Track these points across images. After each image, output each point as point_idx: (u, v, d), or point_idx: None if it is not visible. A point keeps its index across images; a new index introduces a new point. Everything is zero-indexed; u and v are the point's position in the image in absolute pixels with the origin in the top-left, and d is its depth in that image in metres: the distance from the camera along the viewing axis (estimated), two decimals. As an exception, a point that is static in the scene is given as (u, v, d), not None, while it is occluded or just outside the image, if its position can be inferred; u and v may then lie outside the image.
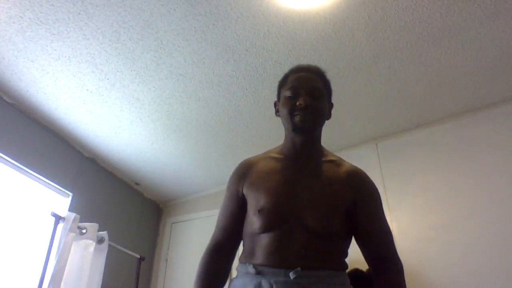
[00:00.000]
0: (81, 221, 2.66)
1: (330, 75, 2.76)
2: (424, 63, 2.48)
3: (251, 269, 1.13)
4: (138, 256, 3.13)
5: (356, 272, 2.33)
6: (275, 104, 1.41)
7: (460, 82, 2.62)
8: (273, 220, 1.16)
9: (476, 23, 2.21)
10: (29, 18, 2.17)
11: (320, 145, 1.34)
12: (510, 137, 2.62)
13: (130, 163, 3.40)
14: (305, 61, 2.45)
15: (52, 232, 2.54)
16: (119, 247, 2.98)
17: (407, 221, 2.72)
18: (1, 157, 2.61)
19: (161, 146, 3.20)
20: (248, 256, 1.18)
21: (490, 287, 2.30)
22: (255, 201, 1.22)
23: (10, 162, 2.66)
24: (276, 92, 1.40)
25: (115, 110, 2.83)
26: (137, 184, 3.74)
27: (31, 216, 2.77)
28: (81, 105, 2.77)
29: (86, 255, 2.62)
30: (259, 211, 1.18)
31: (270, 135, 3.04)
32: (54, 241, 2.52)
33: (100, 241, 2.77)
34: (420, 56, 2.42)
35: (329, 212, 1.17)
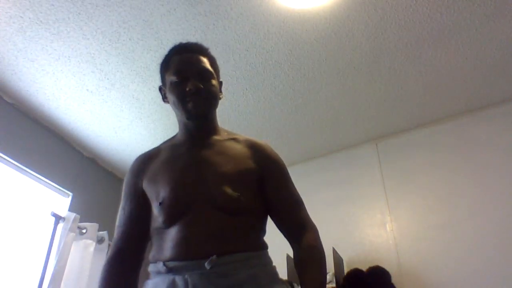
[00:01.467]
0: (81, 221, 2.66)
1: (330, 75, 2.78)
2: (424, 63, 2.48)
3: (161, 267, 1.02)
4: (138, 256, 3.13)
5: (356, 272, 2.33)
6: (160, 90, 1.34)
7: (460, 82, 2.62)
8: (176, 210, 1.06)
9: (476, 23, 2.21)
10: (29, 18, 2.17)
11: (217, 125, 1.27)
12: (510, 137, 2.62)
13: (130, 163, 3.39)
14: (305, 61, 2.45)
15: (52, 232, 2.54)
16: (119, 247, 2.98)
17: (407, 221, 2.72)
18: (1, 157, 2.61)
19: (161, 146, 3.19)
20: (158, 253, 1.07)
21: (490, 287, 2.30)
22: (155, 195, 1.11)
23: (10, 162, 2.66)
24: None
25: (115, 110, 2.83)
26: (137, 184, 3.73)
27: (31, 216, 2.77)
28: (81, 105, 2.77)
29: (86, 255, 2.62)
30: (160, 203, 1.08)
31: (270, 135, 3.04)
32: (54, 241, 2.52)
33: (100, 241, 2.77)
34: (420, 56, 2.42)
35: (237, 187, 1.08)
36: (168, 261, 1.01)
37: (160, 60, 2.67)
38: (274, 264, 1.11)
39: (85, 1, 2.09)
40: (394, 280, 2.35)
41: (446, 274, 2.44)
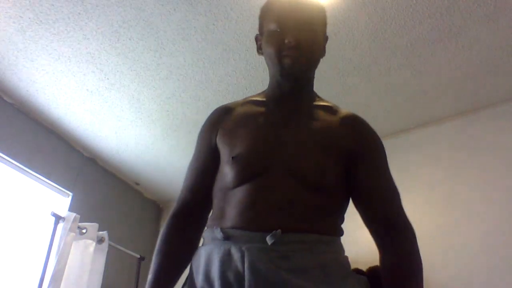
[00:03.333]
0: (81, 221, 2.66)
1: (331, 75, 2.77)
2: (424, 63, 2.47)
3: (218, 234, 0.89)
4: (138, 256, 3.13)
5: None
6: (257, 39, 1.13)
7: (460, 82, 2.62)
8: (250, 167, 0.93)
9: (476, 23, 2.21)
10: (29, 18, 2.17)
11: (313, 89, 1.11)
12: (510, 137, 2.62)
13: (130, 163, 3.40)
14: (305, 61, 2.45)
15: (52, 232, 2.54)
16: (119, 247, 2.98)
17: (407, 221, 2.72)
18: (1, 157, 2.61)
19: (161, 146, 3.20)
20: (217, 218, 0.95)
21: (491, 287, 2.30)
22: (229, 149, 0.99)
23: (10, 162, 2.66)
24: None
25: (115, 110, 2.83)
26: (137, 184, 3.73)
27: (31, 216, 2.77)
28: (81, 105, 2.77)
29: (86, 255, 2.62)
30: (233, 157, 0.95)
31: (270, 135, 3.04)
32: (54, 241, 2.52)
33: (100, 241, 2.77)
34: (420, 56, 2.42)
35: (322, 159, 0.94)
36: (227, 228, 0.89)
37: (160, 60, 2.69)
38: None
39: (85, 1, 2.09)
40: (394, 280, 2.35)
41: (446, 274, 2.43)
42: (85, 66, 2.47)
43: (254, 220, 0.87)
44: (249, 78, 2.57)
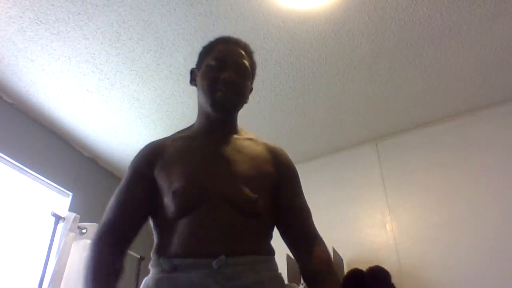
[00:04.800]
0: (81, 221, 2.66)
1: (330, 75, 2.77)
2: (424, 63, 2.48)
3: (165, 264, 0.95)
4: (138, 256, 3.13)
5: (356, 272, 2.33)
6: (192, 72, 1.26)
7: (460, 82, 2.62)
8: (189, 201, 1.00)
9: (476, 23, 2.21)
10: (29, 18, 2.17)
11: (237, 125, 1.24)
12: (510, 137, 2.63)
13: (130, 163, 3.40)
14: (305, 61, 2.45)
15: (52, 232, 2.54)
16: (119, 247, 2.98)
17: (407, 221, 2.72)
18: (1, 157, 2.61)
19: (161, 146, 3.19)
20: (162, 248, 1.00)
21: (490, 287, 2.30)
22: (167, 184, 1.04)
23: (10, 162, 2.66)
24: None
25: (115, 110, 2.83)
26: (137, 184, 3.73)
27: (31, 216, 2.77)
28: (81, 105, 2.77)
29: (86, 255, 2.62)
30: (173, 192, 1.01)
31: (270, 135, 3.04)
32: (54, 241, 2.52)
33: (100, 241, 2.76)
34: (420, 56, 2.42)
35: (255, 189, 1.03)
36: (173, 257, 0.95)
37: (160, 60, 2.69)
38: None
39: (85, 1, 2.09)
40: (394, 280, 2.35)
41: (446, 274, 2.44)
42: (85, 66, 2.47)
43: (198, 247, 0.95)
44: (249, 78, 2.56)
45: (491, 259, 2.35)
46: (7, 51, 2.36)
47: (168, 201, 1.02)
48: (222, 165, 1.07)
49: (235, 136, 1.18)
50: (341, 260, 2.52)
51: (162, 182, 1.07)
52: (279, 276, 1.06)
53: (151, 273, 1.01)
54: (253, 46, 2.50)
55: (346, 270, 2.50)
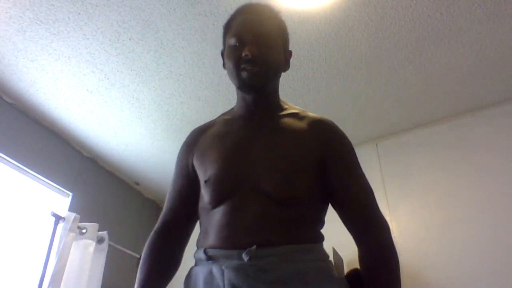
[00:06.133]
0: (81, 221, 2.66)
1: (330, 75, 2.77)
2: (424, 63, 2.47)
3: (202, 255, 0.95)
4: (138, 256, 3.13)
5: (356, 272, 2.33)
6: (222, 54, 1.18)
7: (460, 82, 2.62)
8: (221, 190, 0.97)
9: (476, 23, 2.21)
10: (29, 18, 2.17)
11: (278, 99, 1.15)
12: (510, 137, 2.62)
13: (130, 163, 3.40)
14: (305, 61, 2.45)
15: (52, 232, 2.54)
16: (119, 247, 2.98)
17: (407, 221, 2.72)
18: (1, 157, 2.61)
19: (161, 146, 3.19)
20: (202, 238, 1.00)
21: (490, 287, 2.30)
22: (202, 172, 1.03)
23: (10, 162, 2.66)
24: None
25: (115, 110, 2.83)
26: (137, 184, 3.73)
27: (31, 216, 2.77)
28: (81, 105, 2.77)
29: (86, 255, 2.62)
30: (205, 181, 0.99)
31: (270, 135, 3.04)
32: (54, 241, 2.52)
33: (100, 241, 2.77)
34: (420, 56, 2.42)
35: (290, 173, 0.96)
36: (209, 248, 0.94)
37: (160, 60, 2.69)
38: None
39: (85, 1, 2.09)
40: (394, 280, 2.35)
41: (446, 274, 2.43)
42: (85, 66, 2.47)
43: (230, 239, 0.91)
44: (249, 78, 2.56)
45: (491, 259, 2.35)
46: (7, 51, 2.36)
47: (203, 190, 1.01)
48: (257, 150, 1.00)
49: (275, 113, 1.09)
50: (341, 260, 2.52)
51: (199, 169, 1.06)
52: (326, 265, 0.96)
53: (194, 260, 1.02)
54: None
55: (346, 270, 2.50)
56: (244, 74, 1.03)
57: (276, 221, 0.92)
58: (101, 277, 2.67)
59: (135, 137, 3.10)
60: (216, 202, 0.97)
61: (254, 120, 1.08)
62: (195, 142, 1.12)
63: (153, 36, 2.29)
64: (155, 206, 4.04)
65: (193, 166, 1.08)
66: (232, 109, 1.18)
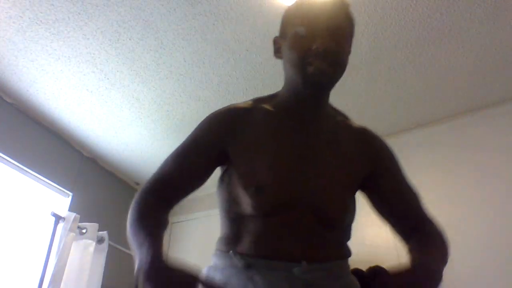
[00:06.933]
0: (81, 221, 2.66)
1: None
2: (424, 63, 2.47)
3: (237, 261, 0.87)
4: (138, 256, 3.13)
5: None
6: (275, 42, 1.07)
7: (460, 82, 2.62)
8: (276, 204, 0.88)
9: (476, 23, 2.21)
10: (29, 18, 2.17)
11: (328, 101, 1.04)
12: (510, 137, 2.62)
13: (130, 163, 3.40)
14: (305, 61, 2.45)
15: (52, 232, 2.54)
16: (119, 247, 2.98)
17: (407, 221, 2.72)
18: (1, 157, 2.61)
19: (161, 146, 3.20)
20: (232, 243, 0.91)
21: (490, 287, 2.30)
22: (247, 172, 0.92)
23: (10, 162, 2.66)
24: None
25: (115, 110, 2.83)
26: (137, 184, 3.73)
27: (31, 216, 2.77)
28: (81, 105, 2.77)
29: (86, 255, 2.62)
30: (257, 188, 0.88)
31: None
32: (54, 241, 2.52)
33: (100, 241, 2.77)
34: (420, 56, 2.42)
35: (344, 197, 0.93)
36: (247, 256, 0.87)
37: (160, 60, 2.68)
38: None
39: (85, 1, 2.09)
40: (394, 280, 2.35)
41: (445, 274, 2.43)
42: (85, 66, 2.47)
43: (276, 250, 0.87)
44: (249, 78, 2.57)
45: (491, 259, 2.35)
46: (7, 51, 2.36)
47: (247, 194, 0.89)
48: (313, 164, 0.93)
49: (325, 116, 1.01)
50: (341, 260, 2.52)
51: (241, 164, 0.94)
52: (354, 279, 0.96)
53: (217, 264, 0.92)
54: (253, 47, 2.51)
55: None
56: (311, 69, 0.90)
57: (323, 240, 0.91)
58: (101, 277, 2.67)
59: (135, 137, 3.10)
60: (263, 213, 0.89)
61: (306, 122, 0.97)
62: (234, 127, 0.97)
63: (153, 36, 2.29)
64: (155, 206, 4.04)
65: (224, 153, 0.97)
66: (274, 97, 1.06)
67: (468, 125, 2.82)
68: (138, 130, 3.03)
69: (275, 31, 2.35)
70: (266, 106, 1.03)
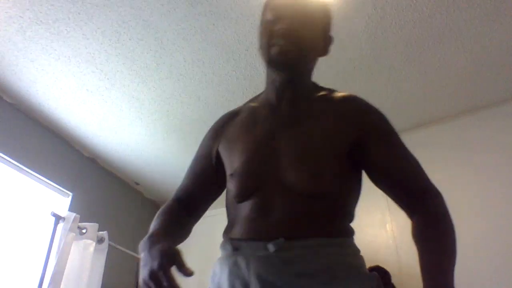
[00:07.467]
0: (81, 221, 2.66)
1: (330, 75, 2.77)
2: (424, 63, 2.48)
3: (227, 245, 0.94)
4: (138, 256, 3.13)
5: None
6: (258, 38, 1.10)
7: (460, 82, 2.62)
8: (247, 185, 0.94)
9: (476, 23, 2.21)
10: (29, 18, 2.17)
11: (309, 83, 1.08)
12: (510, 137, 2.62)
13: (130, 163, 3.40)
14: (305, 61, 2.45)
15: (52, 232, 2.54)
16: (119, 247, 2.98)
17: (407, 221, 2.71)
18: (1, 157, 2.61)
19: (161, 146, 3.20)
20: (227, 230, 0.98)
21: (490, 287, 2.30)
22: (228, 163, 1.01)
23: (10, 162, 2.66)
24: None
25: (115, 110, 2.83)
26: (137, 184, 3.73)
27: (31, 216, 2.77)
28: (81, 105, 2.77)
29: (86, 255, 2.62)
30: (231, 175, 0.98)
31: (270, 135, 3.04)
32: (54, 241, 2.52)
33: (100, 241, 2.77)
34: (420, 56, 2.42)
35: (318, 166, 0.92)
36: (235, 239, 0.93)
37: (160, 60, 2.69)
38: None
39: (85, 1, 2.09)
40: (394, 280, 2.35)
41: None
42: (85, 66, 2.47)
43: (257, 231, 0.90)
44: (249, 78, 2.57)
45: (491, 259, 2.35)
46: (7, 51, 2.36)
47: (229, 183, 1.00)
48: (285, 143, 0.95)
49: (305, 97, 1.03)
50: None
51: (225, 158, 1.04)
52: (356, 260, 0.92)
53: (221, 254, 0.99)
54: (253, 47, 2.51)
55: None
56: (274, 49, 0.95)
57: (305, 215, 0.89)
58: (101, 277, 2.67)
59: (135, 137, 3.10)
60: (242, 197, 0.95)
61: (281, 107, 1.01)
62: (222, 129, 1.09)
63: (153, 36, 2.29)
64: (155, 206, 4.04)
65: (217, 153, 1.06)
66: (260, 95, 1.12)
67: (468, 125, 2.82)
68: (138, 130, 3.03)
69: (275, 31, 2.28)
70: (252, 103, 1.10)
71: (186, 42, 2.33)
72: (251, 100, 1.13)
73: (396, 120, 3.29)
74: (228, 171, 1.01)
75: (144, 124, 2.97)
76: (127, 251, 3.09)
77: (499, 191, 2.51)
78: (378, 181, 0.99)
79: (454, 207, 2.87)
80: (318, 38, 1.03)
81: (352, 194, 0.99)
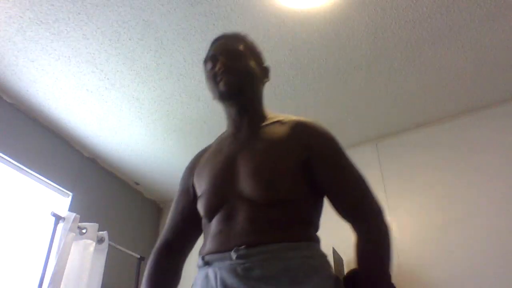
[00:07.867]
0: (81, 221, 2.66)
1: (330, 75, 2.77)
2: (424, 63, 2.48)
3: (200, 261, 1.03)
4: (138, 256, 3.13)
5: (356, 272, 2.32)
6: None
7: (460, 82, 2.62)
8: (211, 203, 1.05)
9: (476, 23, 2.21)
10: (29, 18, 2.17)
11: (262, 110, 1.20)
12: (510, 137, 2.62)
13: (130, 163, 3.40)
14: (305, 61, 2.45)
15: (52, 232, 2.54)
16: (119, 247, 2.98)
17: (407, 221, 2.72)
18: (1, 157, 2.61)
19: (161, 146, 3.20)
20: (202, 248, 1.07)
21: (490, 287, 2.30)
22: (198, 189, 1.13)
23: (10, 162, 2.66)
24: None
25: (115, 110, 2.83)
26: (137, 184, 3.73)
27: (31, 216, 2.77)
28: (81, 105, 2.77)
29: (86, 255, 2.62)
30: (199, 197, 1.09)
31: (270, 135, 3.04)
32: (54, 241, 2.52)
33: (100, 241, 2.77)
34: (420, 56, 2.42)
35: (274, 175, 1.01)
36: (205, 254, 1.02)
37: (160, 60, 2.69)
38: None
39: (85, 1, 2.09)
40: (394, 280, 2.35)
41: (445, 274, 2.43)
42: (85, 66, 2.47)
43: (222, 243, 0.98)
44: (249, 78, 2.56)
45: (491, 259, 2.35)
46: (7, 51, 2.36)
47: (198, 206, 1.11)
48: (241, 162, 1.06)
49: (260, 123, 1.15)
50: (341, 260, 2.52)
51: (197, 187, 1.15)
52: (318, 263, 0.97)
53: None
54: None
55: (346, 270, 2.50)
56: (221, 84, 1.11)
57: (265, 223, 0.97)
58: (101, 277, 2.67)
59: (135, 137, 3.10)
60: (209, 214, 1.05)
61: (241, 133, 1.14)
62: (195, 164, 1.21)
63: (153, 36, 2.29)
64: (155, 206, 4.04)
65: (193, 187, 1.17)
66: (225, 131, 1.25)
67: (468, 125, 2.82)
68: (138, 130, 3.03)
69: (275, 31, 2.37)
70: (222, 136, 1.24)
71: (186, 42, 2.33)
72: (221, 135, 1.26)
73: (396, 120, 3.32)
74: (198, 195, 1.12)
75: (144, 124, 2.97)
76: (127, 251, 3.09)
77: (499, 191, 2.51)
78: (329, 201, 1.08)
79: (454, 207, 2.89)
80: (253, 66, 1.18)
81: (311, 204, 1.06)
